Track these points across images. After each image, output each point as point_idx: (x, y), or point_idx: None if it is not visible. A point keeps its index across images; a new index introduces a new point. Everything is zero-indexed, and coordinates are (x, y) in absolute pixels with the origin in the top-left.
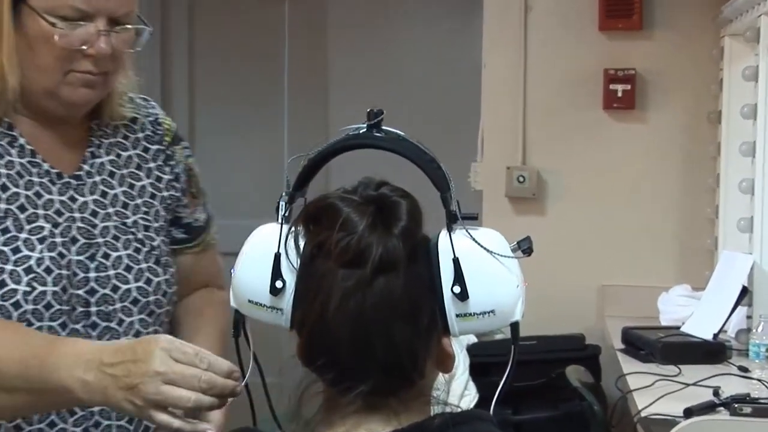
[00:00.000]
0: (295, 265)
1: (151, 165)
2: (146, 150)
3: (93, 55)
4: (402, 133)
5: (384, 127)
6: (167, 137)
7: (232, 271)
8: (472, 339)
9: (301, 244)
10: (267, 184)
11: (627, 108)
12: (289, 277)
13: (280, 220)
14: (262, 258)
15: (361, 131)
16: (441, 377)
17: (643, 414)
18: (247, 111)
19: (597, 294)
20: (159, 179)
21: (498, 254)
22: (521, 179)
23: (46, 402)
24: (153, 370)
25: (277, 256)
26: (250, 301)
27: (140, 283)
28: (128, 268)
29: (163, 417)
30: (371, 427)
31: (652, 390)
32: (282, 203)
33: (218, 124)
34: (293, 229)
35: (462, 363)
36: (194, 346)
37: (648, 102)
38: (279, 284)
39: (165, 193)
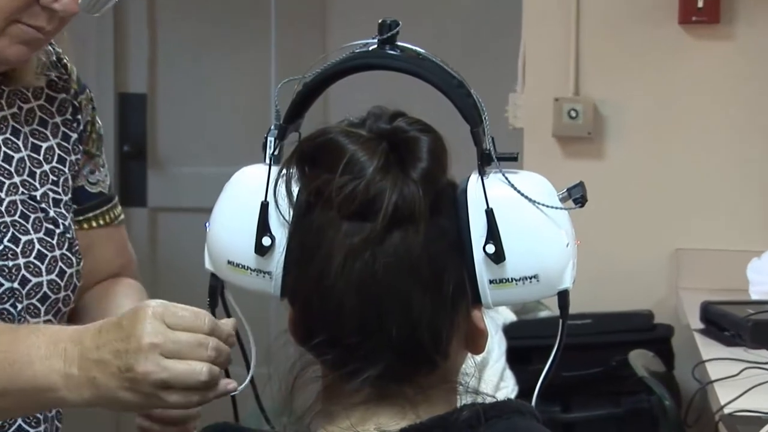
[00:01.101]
0: (287, 218)
1: (57, 120)
2: (50, 100)
3: (55, 11)
4: (422, 50)
5: (399, 43)
6: (74, 84)
7: (206, 225)
8: (510, 317)
9: (295, 190)
10: (252, 120)
11: (710, 22)
12: (280, 232)
13: (267, 161)
14: (245, 208)
15: (370, 48)
16: (470, 361)
17: (726, 410)
18: (224, 27)
19: (669, 260)
20: (66, 138)
21: (543, 204)
22: (573, 114)
23: (23, 405)
24: (147, 342)
25: (264, 206)
26: (230, 262)
27: (53, 276)
28: (40, 256)
29: (176, 398)
30: (382, 421)
31: (738, 380)
32: (270, 139)
33: (187, 44)
34: (285, 171)
35: (497, 347)
36: (190, 307)
37: (736, 14)
38: (266, 241)
39: (73, 157)
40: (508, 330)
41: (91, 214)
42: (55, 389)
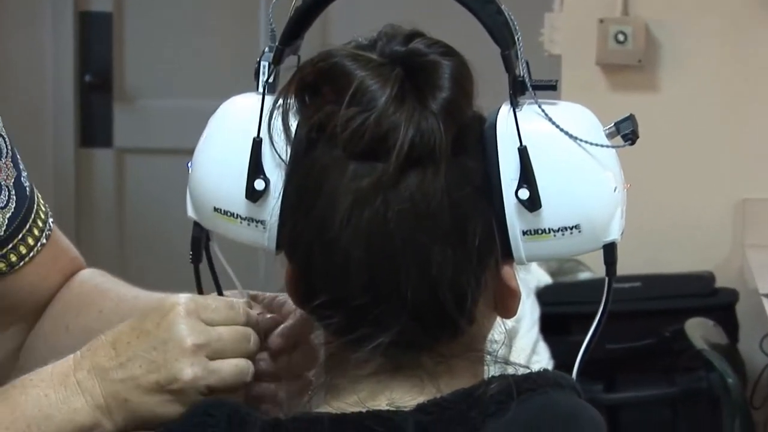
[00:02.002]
0: (284, 157)
1: None
2: None
3: None
4: None
5: None
6: None
7: (188, 165)
8: (545, 280)
9: (293, 124)
10: (238, 44)
11: None
12: (275, 174)
13: (261, 89)
14: (235, 146)
15: None
16: (499, 327)
17: None
18: None
19: (734, 213)
20: None
21: (586, 141)
22: (621, 38)
23: None
24: (191, 345)
25: (257, 143)
26: (216, 210)
27: None
28: None
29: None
30: (396, 395)
31: None
32: (264, 64)
33: None
34: (281, 102)
35: (529, 314)
36: (221, 297)
37: None
38: (259, 185)
39: None
40: (543, 294)
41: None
42: (93, 427)
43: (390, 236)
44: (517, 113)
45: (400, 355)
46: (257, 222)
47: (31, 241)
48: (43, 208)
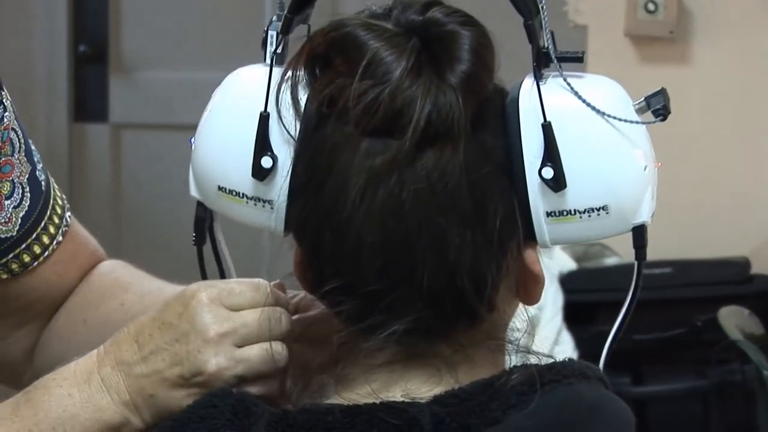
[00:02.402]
0: (293, 133)
1: None
2: None
3: None
4: None
5: None
6: None
7: (191, 141)
8: (569, 265)
9: (303, 98)
10: (242, 13)
11: None
12: (283, 151)
13: (268, 61)
14: (241, 121)
15: None
16: (522, 314)
17: None
18: None
19: None
20: None
21: (614, 117)
22: (651, 7)
23: None
24: (215, 334)
25: (264, 118)
26: (221, 189)
27: None
28: None
29: (258, 388)
30: (411, 386)
31: None
32: (272, 33)
33: None
34: (290, 74)
35: (551, 302)
36: (243, 279)
37: None
38: (267, 162)
39: None
40: (567, 281)
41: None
42: (117, 428)
43: (405, 218)
44: (541, 87)
45: (415, 343)
46: (264, 202)
47: (46, 239)
48: (60, 201)
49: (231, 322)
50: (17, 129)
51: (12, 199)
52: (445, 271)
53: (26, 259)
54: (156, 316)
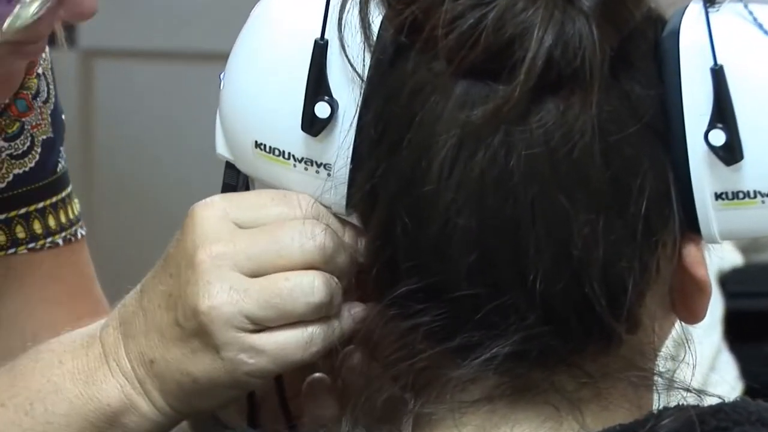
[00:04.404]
0: (360, 69)
1: None
2: None
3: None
4: None
5: None
6: None
7: (221, 78)
8: (733, 260)
9: (375, 22)
10: None
11: None
12: (346, 94)
13: None
14: (287, 52)
15: None
16: (676, 333)
17: None
18: None
19: None
20: None
21: None
22: None
23: None
24: (205, 254)
25: (321, 48)
26: (259, 145)
27: None
28: None
29: (277, 342)
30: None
31: None
32: None
33: None
34: None
35: (707, 311)
36: (263, 190)
37: None
38: (323, 110)
39: None
40: (729, 281)
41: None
42: (118, 414)
43: (513, 194)
44: (712, 16)
45: (525, 373)
46: (319, 165)
47: (52, 222)
48: (75, 208)
49: (233, 239)
50: (51, 84)
51: (13, 145)
52: (567, 272)
53: (20, 234)
54: (165, 253)
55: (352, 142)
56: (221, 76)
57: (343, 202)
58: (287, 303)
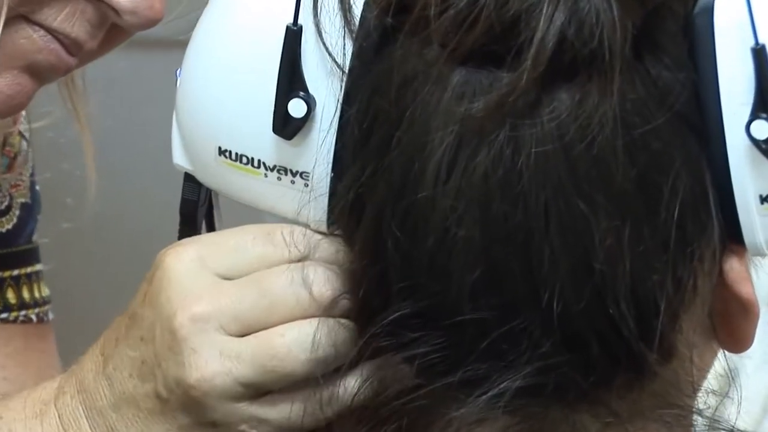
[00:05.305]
0: (341, 59)
1: None
2: None
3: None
4: None
5: None
6: None
7: (177, 74)
8: None
9: (357, 5)
10: None
11: None
12: (324, 89)
13: None
14: (254, 40)
15: None
16: (721, 365)
17: None
18: None
19: None
20: None
21: None
22: None
23: None
24: (185, 316)
25: (294, 35)
26: (223, 152)
27: None
28: None
29: (278, 414)
30: None
31: None
32: None
33: None
34: None
35: (758, 341)
36: (234, 229)
37: None
38: (298, 108)
39: None
40: None
41: None
42: None
43: (522, 200)
44: None
45: (540, 411)
46: (294, 174)
47: (26, 295)
48: (45, 289)
49: (215, 296)
50: (30, 147)
51: None
52: (588, 290)
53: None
54: (128, 309)
55: (333, 145)
56: (177, 72)
57: (323, 217)
58: (286, 364)
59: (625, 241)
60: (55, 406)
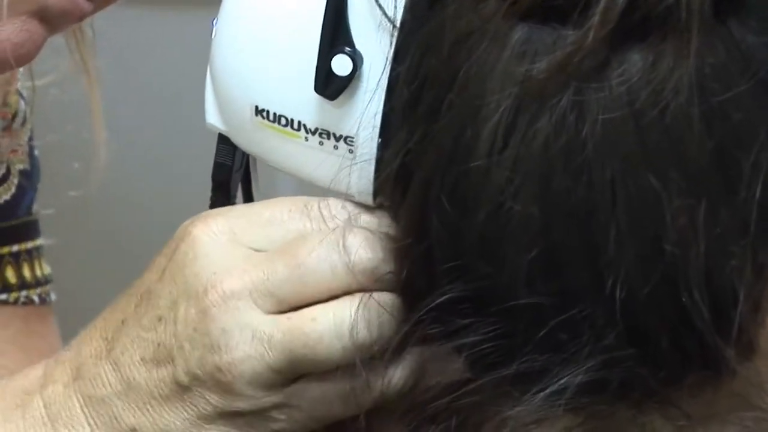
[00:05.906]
0: (391, 12)
1: None
2: None
3: None
4: None
5: None
6: None
7: (212, 24)
8: None
9: None
10: None
11: None
12: (372, 46)
13: None
14: None
15: None
16: None
17: None
18: None
19: None
20: None
21: None
22: None
23: None
24: (220, 291)
25: None
26: (260, 112)
27: None
28: None
29: (312, 397)
30: None
31: None
32: None
33: None
34: None
35: None
36: (271, 200)
37: None
38: (342, 65)
39: None
40: None
41: None
42: None
43: (586, 172)
44: None
45: (604, 410)
46: (337, 138)
47: (27, 273)
48: (47, 267)
49: (247, 269)
50: (29, 108)
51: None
52: (657, 275)
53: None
54: (134, 287)
55: (381, 107)
56: (213, 22)
57: (368, 186)
58: (319, 353)
59: (700, 221)
60: (41, 396)
